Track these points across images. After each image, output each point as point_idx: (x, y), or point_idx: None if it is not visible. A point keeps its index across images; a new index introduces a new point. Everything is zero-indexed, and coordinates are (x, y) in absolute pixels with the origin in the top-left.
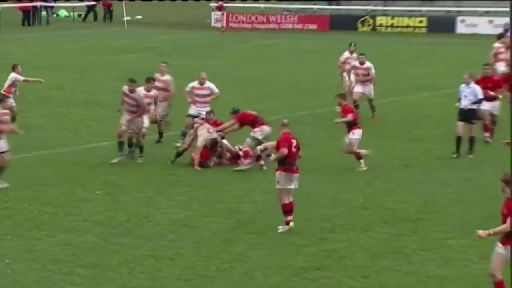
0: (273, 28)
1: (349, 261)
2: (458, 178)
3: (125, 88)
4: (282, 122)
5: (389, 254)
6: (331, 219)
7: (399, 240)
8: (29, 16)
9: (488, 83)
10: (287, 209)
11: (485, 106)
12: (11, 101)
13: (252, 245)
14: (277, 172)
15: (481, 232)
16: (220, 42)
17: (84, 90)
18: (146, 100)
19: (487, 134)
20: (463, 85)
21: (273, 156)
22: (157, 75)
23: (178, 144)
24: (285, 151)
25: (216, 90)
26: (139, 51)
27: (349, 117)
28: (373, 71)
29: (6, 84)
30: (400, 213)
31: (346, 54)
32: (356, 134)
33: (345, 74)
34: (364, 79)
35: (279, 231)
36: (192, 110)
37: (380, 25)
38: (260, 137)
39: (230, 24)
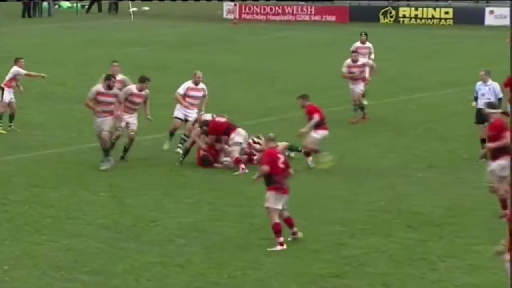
0: (288, 20)
1: (370, 268)
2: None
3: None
4: (268, 136)
5: (412, 261)
6: (350, 224)
7: (423, 246)
8: (30, 7)
9: None
10: (277, 229)
11: None
12: (10, 96)
13: (267, 251)
14: (267, 192)
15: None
16: (232, 34)
17: (88, 86)
18: (138, 100)
19: None
20: (479, 83)
21: (255, 174)
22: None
23: (179, 150)
24: (265, 168)
25: (206, 91)
26: (146, 44)
27: (316, 118)
28: (371, 62)
29: (7, 77)
30: (424, 217)
31: (358, 44)
32: (319, 134)
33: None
34: (360, 76)
35: (268, 249)
36: (179, 113)
37: (403, 17)
38: (241, 141)
39: (243, 15)
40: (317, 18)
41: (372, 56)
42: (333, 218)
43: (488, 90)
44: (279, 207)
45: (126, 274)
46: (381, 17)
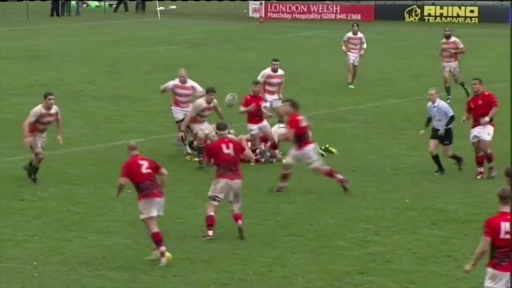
0: (314, 19)
1: (395, 265)
2: None
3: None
4: (129, 145)
5: (437, 258)
6: (375, 221)
7: (448, 243)
8: (58, 6)
9: None
10: (157, 239)
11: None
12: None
13: (292, 247)
14: (138, 203)
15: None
16: (258, 33)
17: (115, 84)
18: (208, 112)
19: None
20: (429, 104)
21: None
22: None
23: (196, 159)
24: (121, 181)
25: (200, 89)
26: (173, 43)
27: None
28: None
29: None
30: (449, 215)
31: (350, 34)
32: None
33: (348, 53)
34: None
35: (146, 258)
36: (179, 114)
37: (428, 15)
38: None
39: (269, 14)
40: (342, 16)
41: (364, 45)
42: (358, 216)
43: (436, 111)
44: (154, 214)
45: (153, 271)
46: (406, 15)
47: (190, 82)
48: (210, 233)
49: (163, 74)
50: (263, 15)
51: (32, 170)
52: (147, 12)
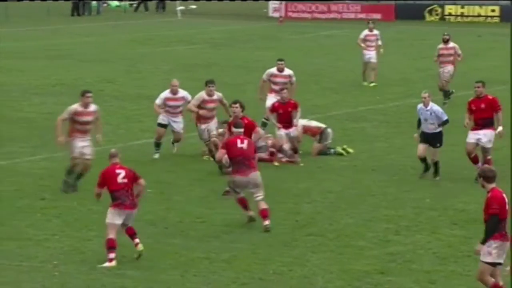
0: (334, 18)
1: (415, 265)
2: None
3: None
4: (110, 152)
5: (457, 258)
6: (395, 220)
7: (469, 243)
8: (79, 6)
9: None
10: (110, 245)
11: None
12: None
13: (312, 247)
14: (109, 209)
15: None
16: (277, 33)
17: (136, 84)
18: (211, 105)
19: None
20: (420, 106)
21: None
22: None
23: (205, 157)
24: (96, 189)
25: (189, 97)
26: (193, 42)
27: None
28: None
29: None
30: (470, 215)
31: (366, 32)
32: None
33: (365, 51)
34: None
35: (99, 265)
36: (162, 119)
37: (449, 14)
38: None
39: (289, 13)
40: (362, 16)
41: (379, 42)
42: (378, 215)
43: (430, 115)
44: (118, 222)
45: (172, 270)
46: (426, 15)
47: (181, 93)
48: (251, 213)
49: (183, 74)
50: (283, 14)
51: (68, 174)
52: (167, 12)
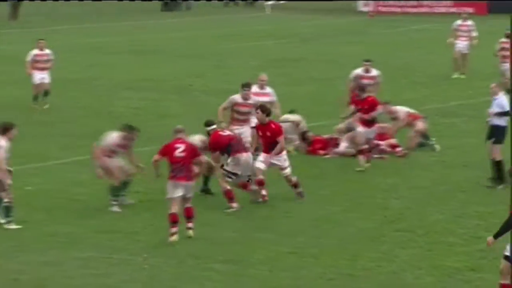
0: (425, 12)
1: None
2: None
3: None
4: (175, 128)
5: None
6: (486, 217)
7: None
8: (169, 1)
9: None
10: (172, 220)
11: None
12: None
13: (401, 243)
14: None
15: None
16: (367, 27)
17: (224, 79)
18: (245, 109)
19: None
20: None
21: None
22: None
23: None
24: (155, 156)
25: (274, 96)
26: (282, 37)
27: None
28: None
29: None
30: None
31: (459, 21)
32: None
33: (457, 41)
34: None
35: (169, 239)
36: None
37: None
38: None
39: (379, 7)
40: (454, 10)
41: (474, 33)
42: (468, 211)
43: (496, 105)
44: (175, 195)
45: (260, 264)
46: None
47: (267, 89)
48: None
49: (272, 69)
50: (373, 9)
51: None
52: (256, 7)
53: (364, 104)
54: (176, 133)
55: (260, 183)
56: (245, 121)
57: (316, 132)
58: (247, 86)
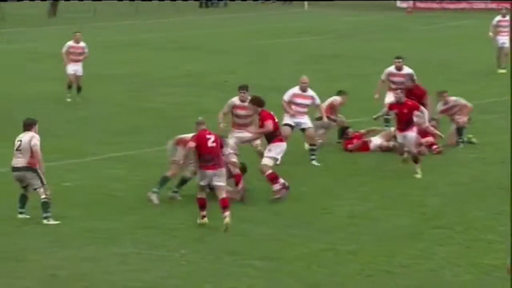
0: (464, 8)
1: None
2: None
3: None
4: (197, 121)
5: None
6: None
7: None
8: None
9: None
10: (199, 203)
11: None
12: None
13: (439, 240)
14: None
15: None
16: (405, 23)
17: (262, 75)
18: (243, 112)
19: None
20: None
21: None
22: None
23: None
24: (190, 143)
25: (318, 100)
26: (320, 33)
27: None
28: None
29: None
30: None
31: (498, 17)
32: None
33: (498, 37)
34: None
35: (198, 221)
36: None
37: None
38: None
39: (418, 4)
40: (493, 6)
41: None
42: (508, 209)
43: None
44: (203, 183)
45: (297, 261)
46: None
47: (309, 92)
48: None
49: (310, 65)
50: (411, 5)
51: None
52: (293, 3)
53: (403, 108)
54: (200, 125)
55: (273, 179)
56: (245, 126)
57: (354, 129)
58: (243, 88)
